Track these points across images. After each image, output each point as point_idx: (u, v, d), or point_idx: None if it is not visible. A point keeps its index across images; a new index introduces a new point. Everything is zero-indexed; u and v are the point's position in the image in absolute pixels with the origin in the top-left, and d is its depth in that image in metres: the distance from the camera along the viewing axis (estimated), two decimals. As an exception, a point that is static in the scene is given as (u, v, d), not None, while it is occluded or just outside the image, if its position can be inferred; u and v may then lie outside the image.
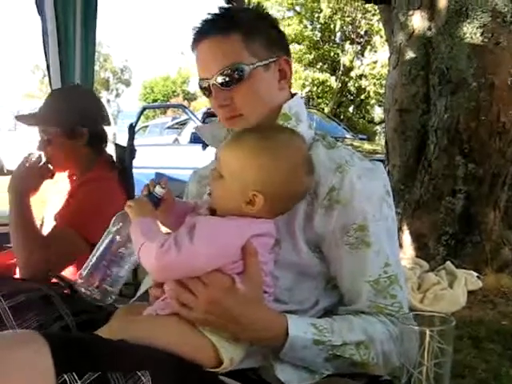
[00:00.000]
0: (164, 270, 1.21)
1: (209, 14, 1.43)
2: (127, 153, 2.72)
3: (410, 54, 4.79)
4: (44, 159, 2.24)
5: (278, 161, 1.25)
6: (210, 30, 1.40)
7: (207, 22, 1.42)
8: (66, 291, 1.90)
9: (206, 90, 1.43)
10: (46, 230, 2.19)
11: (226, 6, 1.48)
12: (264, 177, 1.24)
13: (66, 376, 1.02)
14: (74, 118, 2.29)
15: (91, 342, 1.15)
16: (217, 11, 1.44)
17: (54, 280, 2.02)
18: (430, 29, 4.68)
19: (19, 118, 2.54)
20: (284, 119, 1.42)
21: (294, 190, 1.28)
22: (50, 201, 2.47)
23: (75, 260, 2.13)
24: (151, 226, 1.27)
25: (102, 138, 2.43)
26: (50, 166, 2.26)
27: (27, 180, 2.14)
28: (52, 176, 2.30)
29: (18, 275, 2.21)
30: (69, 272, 2.15)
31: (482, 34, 4.29)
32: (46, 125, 2.29)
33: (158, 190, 1.34)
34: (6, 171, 16.07)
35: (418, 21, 4.74)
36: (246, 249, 1.23)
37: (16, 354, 1.02)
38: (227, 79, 1.37)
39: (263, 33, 1.42)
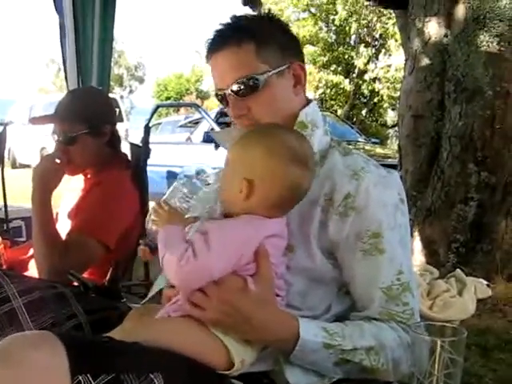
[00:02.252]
0: (185, 280, 1.23)
1: (220, 24, 1.44)
2: (142, 152, 2.73)
3: (425, 61, 4.78)
4: (61, 157, 2.25)
5: (260, 149, 1.28)
6: (223, 41, 1.41)
7: (219, 33, 1.43)
8: (80, 289, 1.92)
9: (224, 100, 1.44)
10: (59, 227, 2.21)
11: (237, 15, 1.48)
12: (254, 164, 1.27)
13: (80, 377, 1.04)
14: (98, 117, 2.31)
15: (105, 344, 1.17)
16: (228, 21, 1.45)
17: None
18: (446, 36, 4.67)
19: (36, 120, 2.56)
20: (300, 127, 1.43)
21: (290, 182, 1.28)
22: (64, 198, 2.49)
23: (91, 263, 2.17)
24: (174, 236, 1.28)
25: (119, 138, 2.45)
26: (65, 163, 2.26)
27: (48, 179, 2.15)
28: (70, 173, 2.32)
29: (31, 270, 2.24)
30: (86, 272, 2.18)
31: (498, 43, 4.27)
32: (71, 123, 2.28)
33: None
34: (18, 165, 16.17)
35: (434, 28, 4.73)
36: (258, 251, 1.24)
37: (32, 356, 1.03)
38: (242, 89, 1.39)
39: (276, 40, 1.43)
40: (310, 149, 1.34)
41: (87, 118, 2.28)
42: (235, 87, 1.39)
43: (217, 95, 1.47)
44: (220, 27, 1.44)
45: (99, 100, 2.45)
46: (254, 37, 1.39)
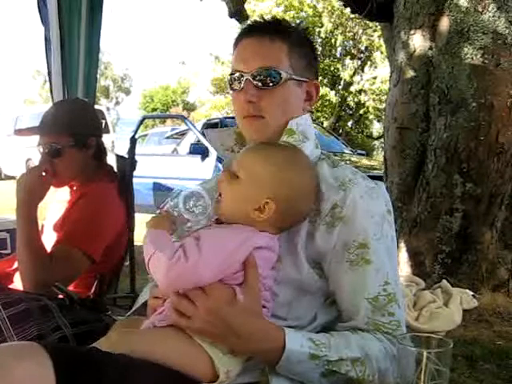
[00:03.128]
0: (173, 280, 1.22)
1: (261, 17, 1.49)
2: (128, 164, 2.73)
3: (410, 73, 4.82)
4: (47, 169, 2.23)
5: (299, 179, 1.30)
6: (261, 30, 1.45)
7: (259, 23, 1.48)
8: (65, 302, 1.91)
9: (238, 83, 1.44)
10: (45, 239, 2.20)
11: (279, 17, 1.53)
12: (283, 189, 1.28)
13: None
14: (84, 130, 2.31)
15: (92, 355, 1.16)
16: (271, 18, 1.49)
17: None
18: (431, 48, 4.71)
19: (21, 132, 2.55)
20: (288, 134, 1.44)
21: (301, 210, 1.32)
22: (50, 210, 2.48)
23: (77, 275, 2.15)
24: (161, 237, 1.28)
25: (105, 150, 2.45)
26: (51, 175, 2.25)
27: (34, 192, 2.13)
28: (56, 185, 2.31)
29: (16, 283, 2.22)
30: (71, 284, 2.16)
31: (482, 55, 4.32)
32: (56, 135, 2.28)
33: None
34: (3, 176, 16.07)
35: (419, 40, 4.77)
36: (247, 260, 1.25)
37: (19, 367, 1.03)
38: (262, 79, 1.41)
39: (305, 52, 1.47)
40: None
41: (73, 131, 2.27)
42: (257, 74, 1.40)
43: (231, 76, 1.47)
44: (261, 20, 1.48)
45: (85, 112, 2.45)
46: (289, 39, 1.43)
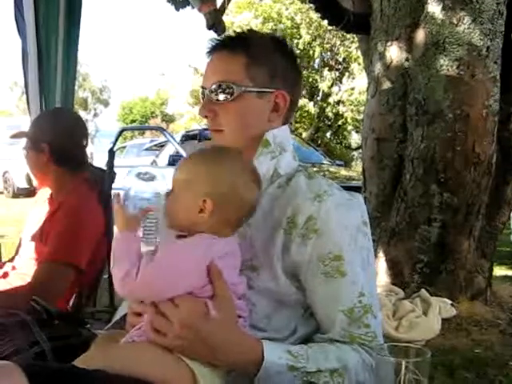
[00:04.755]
0: (127, 295, 1.28)
1: (234, 32, 1.53)
2: (107, 177, 2.71)
3: (387, 84, 4.86)
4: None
5: (229, 171, 1.30)
6: (220, 45, 1.46)
7: (224, 37, 1.50)
8: (43, 316, 1.89)
9: (202, 99, 1.48)
10: (22, 251, 2.19)
11: (249, 29, 1.53)
12: (215, 184, 1.28)
13: None
14: (38, 134, 2.36)
15: (69, 372, 1.15)
16: (238, 30, 1.53)
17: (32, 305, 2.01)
18: (407, 60, 4.76)
19: (16, 135, 2.64)
20: (263, 145, 1.44)
21: (243, 199, 1.30)
22: (28, 221, 2.46)
23: (65, 291, 2.15)
24: (126, 248, 1.28)
25: (75, 159, 2.43)
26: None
27: None
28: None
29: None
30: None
31: (458, 67, 4.36)
32: (28, 138, 2.42)
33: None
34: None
35: (395, 52, 4.82)
36: (211, 272, 1.24)
37: None
38: (217, 93, 1.42)
39: (269, 62, 1.44)
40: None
41: (31, 134, 2.40)
42: (213, 89, 1.42)
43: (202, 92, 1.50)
44: (226, 35, 1.51)
45: (73, 122, 2.48)
46: (248, 51, 1.42)
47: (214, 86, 1.42)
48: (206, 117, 1.45)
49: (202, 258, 1.25)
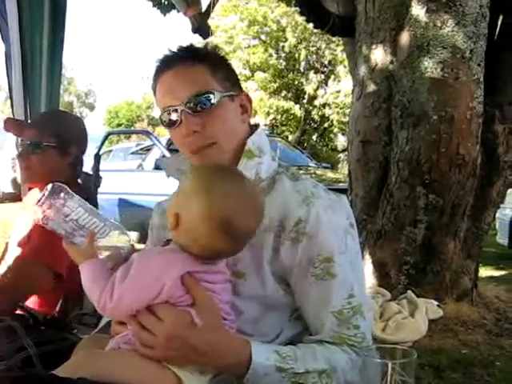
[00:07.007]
0: (110, 316, 1.32)
1: (170, 49, 1.45)
2: (93, 181, 2.70)
3: (372, 87, 4.88)
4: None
5: (203, 198, 1.22)
6: (175, 61, 1.41)
7: (172, 53, 1.44)
8: (29, 322, 1.88)
9: (171, 120, 1.41)
10: (8, 256, 2.16)
11: (188, 44, 1.49)
12: (186, 202, 1.24)
13: None
14: (68, 136, 2.31)
15: (51, 381, 1.14)
16: (180, 46, 1.46)
17: (18, 311, 1.99)
18: (392, 62, 4.78)
19: (8, 124, 2.54)
20: (248, 156, 1.43)
21: (214, 221, 1.22)
22: (16, 226, 2.45)
23: (40, 290, 2.12)
24: (92, 274, 1.29)
25: (82, 164, 2.43)
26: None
27: None
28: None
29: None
30: (35, 303, 2.13)
31: (442, 69, 4.39)
32: (43, 134, 2.29)
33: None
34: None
35: (380, 54, 4.84)
36: (185, 282, 1.23)
37: None
38: (198, 104, 1.37)
39: (224, 68, 1.46)
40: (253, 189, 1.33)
41: (59, 134, 2.29)
42: (190, 102, 1.37)
43: (163, 117, 1.43)
44: (171, 50, 1.44)
45: (77, 124, 2.46)
46: (206, 60, 1.41)
47: (190, 99, 1.37)
48: (194, 132, 1.37)
49: (171, 268, 1.23)
